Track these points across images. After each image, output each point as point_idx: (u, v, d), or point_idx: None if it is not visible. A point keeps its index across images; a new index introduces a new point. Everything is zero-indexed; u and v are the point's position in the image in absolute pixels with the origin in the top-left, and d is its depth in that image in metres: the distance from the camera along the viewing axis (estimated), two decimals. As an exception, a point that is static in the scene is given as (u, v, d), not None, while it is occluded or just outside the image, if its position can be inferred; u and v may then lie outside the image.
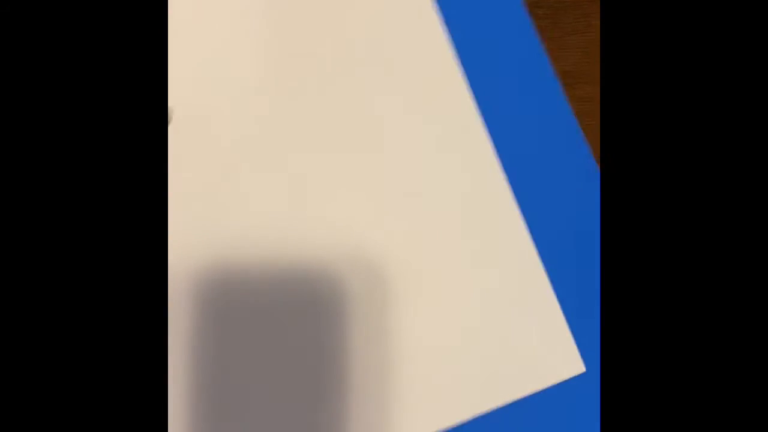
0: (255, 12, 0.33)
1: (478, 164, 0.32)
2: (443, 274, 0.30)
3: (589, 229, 0.31)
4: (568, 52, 0.34)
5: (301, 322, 0.29)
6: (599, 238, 0.31)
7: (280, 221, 0.30)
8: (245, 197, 0.30)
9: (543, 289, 0.30)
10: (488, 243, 0.30)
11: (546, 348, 0.29)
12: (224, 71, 0.32)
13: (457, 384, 0.28)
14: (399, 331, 0.29)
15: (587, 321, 0.30)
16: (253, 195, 0.30)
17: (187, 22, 0.33)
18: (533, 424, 0.28)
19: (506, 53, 0.34)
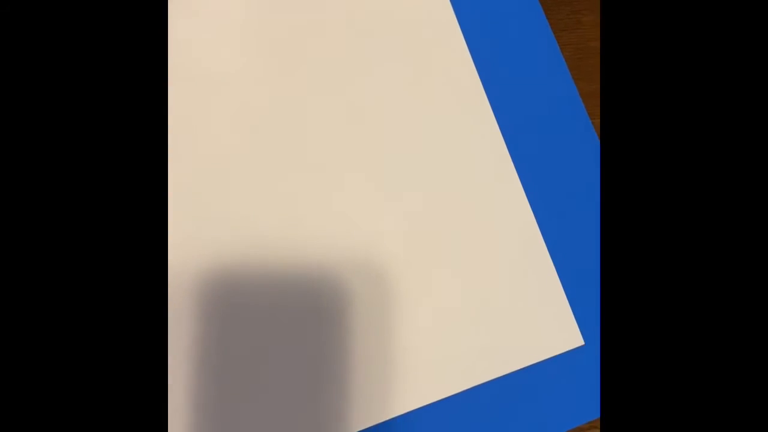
0: (256, 9, 0.33)
1: (484, 146, 0.32)
2: (445, 254, 0.30)
3: (590, 205, 0.32)
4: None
5: (301, 321, 0.29)
6: (599, 214, 0.32)
7: (280, 220, 0.30)
8: (245, 197, 0.30)
9: (544, 264, 0.31)
10: (490, 218, 0.31)
11: (545, 321, 0.30)
12: (225, 70, 0.32)
13: (459, 356, 0.29)
14: (402, 313, 0.29)
15: (586, 295, 0.31)
16: (253, 194, 0.30)
17: (187, 21, 0.33)
18: (534, 394, 0.29)
19: (518, 42, 0.34)
